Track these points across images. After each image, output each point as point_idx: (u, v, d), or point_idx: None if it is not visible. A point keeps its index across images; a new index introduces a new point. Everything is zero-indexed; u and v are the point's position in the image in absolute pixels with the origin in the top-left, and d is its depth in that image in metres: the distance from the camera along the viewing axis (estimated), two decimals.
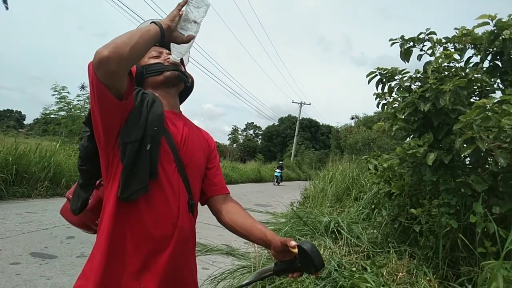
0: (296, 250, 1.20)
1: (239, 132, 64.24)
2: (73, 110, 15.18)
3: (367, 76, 4.62)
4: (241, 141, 59.86)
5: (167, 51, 1.43)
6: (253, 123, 65.54)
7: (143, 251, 1.18)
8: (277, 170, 24.33)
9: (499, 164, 3.25)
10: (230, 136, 62.99)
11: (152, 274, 1.19)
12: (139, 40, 1.08)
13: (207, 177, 1.46)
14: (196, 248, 4.61)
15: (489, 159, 3.59)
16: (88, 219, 1.41)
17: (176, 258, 1.24)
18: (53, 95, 15.13)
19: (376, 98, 4.67)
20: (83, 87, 15.68)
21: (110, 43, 1.04)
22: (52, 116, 16.64)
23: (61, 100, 15.27)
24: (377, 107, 4.76)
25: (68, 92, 15.40)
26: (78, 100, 16.14)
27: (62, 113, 15.32)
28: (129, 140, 1.15)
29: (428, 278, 3.45)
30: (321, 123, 55.31)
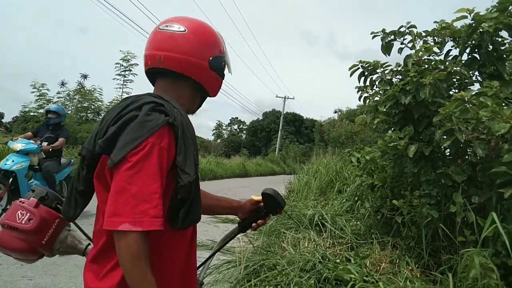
0: (260, 197, 1.43)
1: (224, 127, 64.08)
2: None
3: (350, 69, 4.66)
4: (226, 136, 59.72)
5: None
6: (237, 118, 65.44)
7: (184, 259, 1.23)
8: None
9: (477, 155, 3.33)
10: (214, 131, 62.76)
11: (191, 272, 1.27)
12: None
13: None
14: None
15: (468, 150, 3.68)
16: (36, 242, 1.31)
17: (194, 248, 1.31)
18: (33, 92, 14.85)
19: (358, 92, 4.72)
20: (63, 84, 15.41)
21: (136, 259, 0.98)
22: (31, 113, 16.34)
23: (41, 97, 14.99)
24: (359, 100, 4.81)
25: (47, 89, 15.14)
26: (58, 97, 15.88)
27: (41, 110, 15.04)
28: (192, 178, 1.09)
29: (410, 267, 3.52)
30: (305, 117, 55.50)
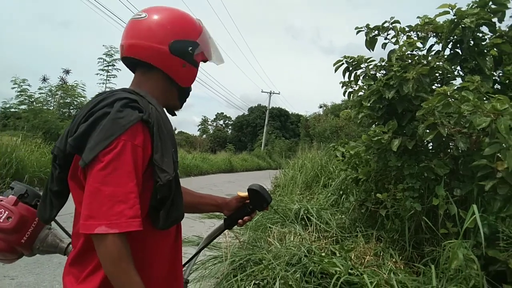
0: (246, 194, 1.42)
1: (209, 122, 63.89)
2: (34, 103, 14.61)
3: (334, 64, 4.69)
4: (211, 132, 59.55)
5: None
6: (223, 113, 65.41)
7: (169, 258, 1.20)
8: None
9: (459, 148, 3.39)
10: (200, 126, 62.54)
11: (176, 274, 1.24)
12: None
13: None
14: None
15: (450, 144, 3.74)
16: (15, 241, 1.28)
17: (179, 248, 1.29)
18: (13, 88, 14.53)
19: (342, 87, 4.76)
20: (44, 79, 15.10)
21: (117, 258, 0.96)
22: (12, 110, 15.99)
23: (22, 93, 14.68)
24: (344, 95, 4.84)
25: (29, 85, 14.81)
26: (40, 93, 15.57)
27: (23, 106, 14.72)
28: (171, 177, 1.06)
29: (394, 259, 3.58)
30: (290, 112, 55.70)
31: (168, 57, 1.18)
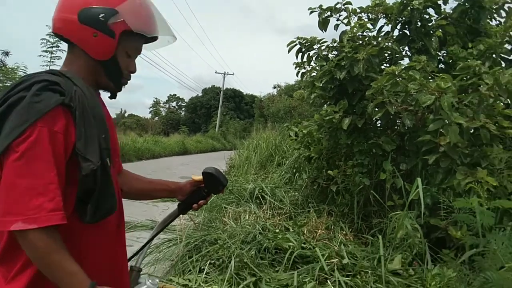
0: (201, 177, 1.36)
1: (161, 104, 62.47)
2: None
3: (288, 45, 4.70)
4: (164, 114, 58.33)
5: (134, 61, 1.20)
6: (175, 94, 64.04)
7: (106, 249, 1.12)
8: None
9: (405, 125, 3.55)
10: (151, 109, 60.93)
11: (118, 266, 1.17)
12: (51, 272, 0.91)
13: None
14: None
15: (397, 121, 3.91)
16: None
17: (121, 242, 1.21)
18: None
19: (296, 67, 4.79)
20: (6, 54, 14.04)
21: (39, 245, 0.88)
22: None
23: None
24: (297, 76, 4.89)
25: None
26: None
27: None
28: (95, 166, 0.96)
29: (344, 232, 3.73)
30: (245, 93, 55.53)
31: (78, 27, 1.06)
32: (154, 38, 1.23)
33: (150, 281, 0.90)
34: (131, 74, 1.22)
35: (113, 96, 1.24)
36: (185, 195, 1.41)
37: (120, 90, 1.22)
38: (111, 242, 1.13)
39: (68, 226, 0.93)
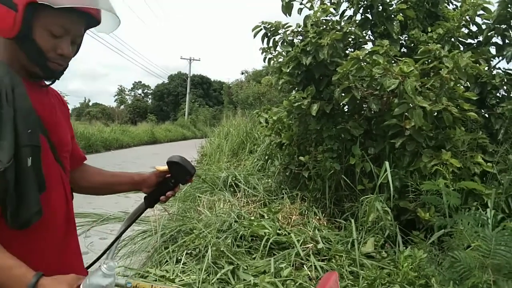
0: (166, 167, 1.29)
1: (126, 92, 60.91)
2: None
3: (253, 30, 4.67)
4: (130, 102, 56.97)
5: (69, 41, 1.04)
6: (140, 82, 62.51)
7: (49, 256, 1.04)
8: None
9: (372, 109, 3.64)
10: (116, 97, 59.26)
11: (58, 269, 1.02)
12: None
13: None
14: (91, 219, 4.32)
15: (364, 106, 3.99)
16: None
17: (70, 249, 1.15)
18: None
19: (262, 53, 4.79)
20: None
21: None
22: None
23: None
24: (264, 61, 4.89)
25: None
26: None
27: None
28: (3, 166, 0.86)
29: (318, 217, 3.83)
30: (212, 80, 55.02)
31: None
32: (91, 18, 1.06)
33: (105, 266, 0.82)
34: (69, 58, 1.07)
35: (44, 84, 1.11)
36: (150, 187, 1.33)
37: (50, 75, 1.08)
38: (54, 249, 1.05)
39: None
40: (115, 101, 58.30)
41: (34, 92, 1.04)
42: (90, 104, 51.72)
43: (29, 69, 1.03)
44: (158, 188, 1.32)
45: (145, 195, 1.35)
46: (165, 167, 1.30)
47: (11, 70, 0.98)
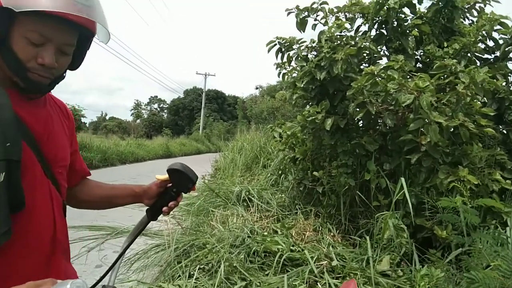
0: (167, 176, 1.21)
1: (143, 106, 61.82)
2: None
3: (267, 45, 4.71)
4: (146, 116, 57.77)
5: (52, 49, 0.96)
6: (156, 96, 63.48)
7: (29, 279, 0.93)
8: None
9: (387, 125, 3.61)
10: (132, 111, 60.22)
11: None
12: None
13: (69, 166, 1.19)
14: (105, 232, 4.34)
15: (378, 121, 3.95)
16: None
17: (58, 271, 1.07)
18: None
19: (277, 68, 4.81)
20: None
21: None
22: None
23: None
24: (278, 76, 4.92)
25: None
26: None
27: None
28: None
29: (332, 233, 3.77)
30: (227, 94, 55.51)
31: None
32: (80, 26, 0.97)
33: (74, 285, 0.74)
34: (53, 69, 0.99)
35: (32, 93, 1.03)
36: (152, 198, 1.25)
37: (32, 87, 0.99)
38: (35, 272, 0.95)
39: None
40: (131, 115, 59.22)
41: (24, 103, 1.00)
42: (107, 118, 52.51)
43: (13, 79, 0.97)
44: (160, 199, 1.25)
45: (147, 208, 1.29)
46: (166, 176, 1.22)
47: None
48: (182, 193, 1.24)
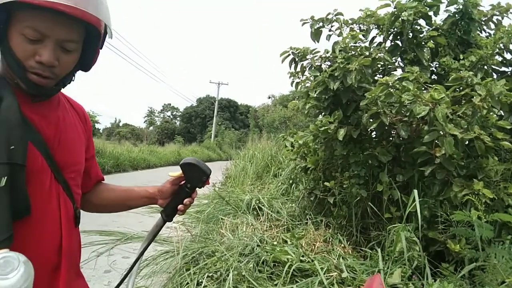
0: (180, 172, 1.18)
1: (156, 114, 62.37)
2: None
3: (281, 55, 4.72)
4: (159, 124, 58.24)
5: (51, 46, 0.92)
6: (170, 104, 63.99)
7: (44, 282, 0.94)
8: None
9: (401, 136, 3.57)
10: (146, 118, 60.81)
11: None
12: None
13: (85, 172, 1.16)
14: (115, 237, 4.38)
15: (392, 132, 3.92)
16: None
17: (62, 284, 1.01)
18: None
19: (290, 77, 4.82)
20: None
21: None
22: None
23: None
24: (292, 86, 4.92)
25: None
26: None
27: None
28: None
29: (342, 245, 3.72)
30: (239, 103, 55.74)
31: None
32: (83, 21, 0.91)
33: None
34: (53, 67, 0.94)
35: (36, 99, 0.98)
36: (167, 198, 1.21)
37: (33, 89, 0.95)
38: (39, 283, 0.86)
39: None
40: (144, 122, 59.77)
41: (34, 105, 0.97)
42: (120, 124, 53.07)
43: (16, 80, 0.94)
44: (174, 197, 1.21)
45: (162, 208, 1.24)
46: (179, 172, 1.18)
47: (3, 81, 0.92)
48: (197, 187, 1.19)
